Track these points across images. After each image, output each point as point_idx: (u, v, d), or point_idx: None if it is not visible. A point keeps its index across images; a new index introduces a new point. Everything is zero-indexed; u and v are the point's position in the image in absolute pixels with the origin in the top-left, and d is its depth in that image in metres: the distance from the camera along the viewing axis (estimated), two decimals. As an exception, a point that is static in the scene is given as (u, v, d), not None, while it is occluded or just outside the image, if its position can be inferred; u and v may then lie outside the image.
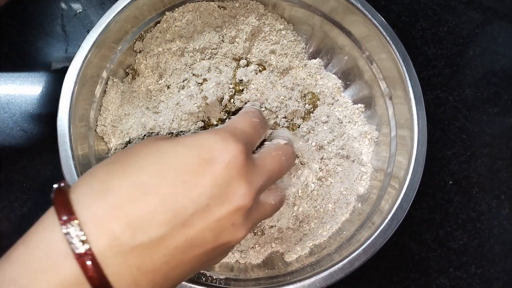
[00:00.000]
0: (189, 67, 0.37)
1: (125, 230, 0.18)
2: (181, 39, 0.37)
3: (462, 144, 0.43)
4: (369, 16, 0.34)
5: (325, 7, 0.37)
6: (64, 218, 0.18)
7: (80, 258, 0.17)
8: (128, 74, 0.38)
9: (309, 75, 0.39)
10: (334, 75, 0.40)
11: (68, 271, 0.17)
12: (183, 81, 0.36)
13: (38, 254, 0.17)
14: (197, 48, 0.37)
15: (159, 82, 0.37)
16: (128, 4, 0.33)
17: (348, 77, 0.39)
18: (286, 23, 0.39)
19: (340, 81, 0.39)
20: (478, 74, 0.46)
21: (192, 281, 0.29)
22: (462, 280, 0.40)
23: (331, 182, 0.36)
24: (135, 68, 0.38)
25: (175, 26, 0.37)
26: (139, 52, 0.37)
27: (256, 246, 0.35)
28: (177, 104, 0.35)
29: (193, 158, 0.20)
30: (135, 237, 0.18)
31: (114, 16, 0.33)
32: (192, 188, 0.19)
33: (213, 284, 0.30)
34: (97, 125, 0.35)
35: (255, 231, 0.35)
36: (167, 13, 0.37)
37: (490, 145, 0.43)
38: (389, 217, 0.30)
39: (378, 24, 0.34)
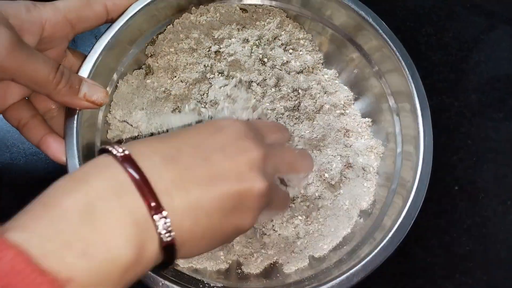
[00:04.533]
0: (204, 57, 0.37)
1: (156, 154, 0.22)
2: (197, 33, 0.37)
3: (467, 149, 0.43)
4: (380, 30, 0.34)
5: (336, 21, 0.37)
6: (153, 204, 0.20)
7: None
8: (141, 68, 0.37)
9: (323, 86, 0.39)
10: (346, 87, 0.39)
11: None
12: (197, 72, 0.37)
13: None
14: (216, 36, 0.37)
15: (174, 79, 0.37)
16: (146, 5, 0.33)
17: (356, 90, 0.39)
18: (305, 32, 0.39)
19: (352, 93, 0.39)
20: (483, 80, 0.46)
21: None
22: (468, 285, 0.40)
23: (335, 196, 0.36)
24: (150, 65, 0.37)
25: (191, 24, 0.37)
26: (150, 57, 0.37)
27: (256, 255, 0.35)
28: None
29: (206, 126, 0.25)
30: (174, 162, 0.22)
31: (132, 15, 0.33)
32: (209, 139, 0.24)
33: None
34: (108, 129, 0.35)
35: (257, 236, 0.35)
36: (184, 15, 0.37)
37: (496, 151, 0.43)
38: (390, 234, 0.30)
39: (388, 39, 0.34)
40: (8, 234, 0.17)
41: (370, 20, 0.34)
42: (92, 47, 0.32)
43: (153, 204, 0.19)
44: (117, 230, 0.19)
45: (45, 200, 0.19)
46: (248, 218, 0.24)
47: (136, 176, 0.20)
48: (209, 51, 0.37)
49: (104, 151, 0.22)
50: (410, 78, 0.33)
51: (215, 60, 0.37)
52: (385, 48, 0.35)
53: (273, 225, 0.35)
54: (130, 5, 0.33)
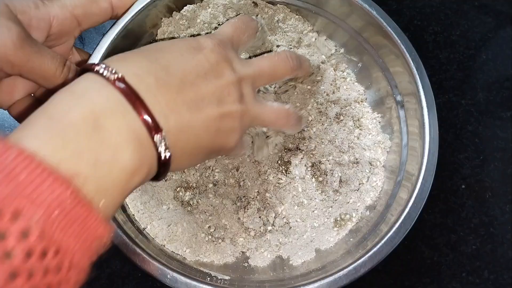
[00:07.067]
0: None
1: (149, 76, 0.23)
2: (200, 23, 0.36)
3: (475, 148, 0.43)
4: (384, 23, 0.34)
5: (337, 13, 0.37)
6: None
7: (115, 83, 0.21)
8: None
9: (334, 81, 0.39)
10: (357, 83, 0.39)
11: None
12: None
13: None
14: (221, 21, 0.36)
15: None
16: (151, 1, 0.33)
17: (361, 84, 0.39)
18: (310, 25, 0.39)
19: (363, 88, 0.39)
20: (491, 78, 0.45)
21: (197, 280, 0.29)
22: (474, 285, 0.39)
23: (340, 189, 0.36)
24: None
25: (194, 14, 0.36)
26: None
27: (262, 248, 0.35)
28: None
29: (187, 45, 0.26)
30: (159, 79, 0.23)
31: (138, 11, 0.33)
32: (191, 61, 0.25)
33: (218, 284, 0.30)
34: None
35: (266, 226, 0.35)
36: (185, 7, 0.36)
37: (503, 149, 0.43)
38: (396, 225, 0.30)
39: (391, 31, 0.34)
40: (21, 142, 0.18)
41: (374, 13, 0.34)
42: (98, 43, 0.32)
43: (152, 125, 0.21)
44: (123, 144, 0.20)
45: (50, 112, 0.20)
46: (231, 138, 0.27)
47: (135, 100, 0.21)
48: (209, 32, 0.36)
49: (89, 69, 0.22)
50: (414, 69, 0.33)
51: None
52: (389, 40, 0.34)
53: (278, 218, 0.35)
54: (135, 1, 0.33)
